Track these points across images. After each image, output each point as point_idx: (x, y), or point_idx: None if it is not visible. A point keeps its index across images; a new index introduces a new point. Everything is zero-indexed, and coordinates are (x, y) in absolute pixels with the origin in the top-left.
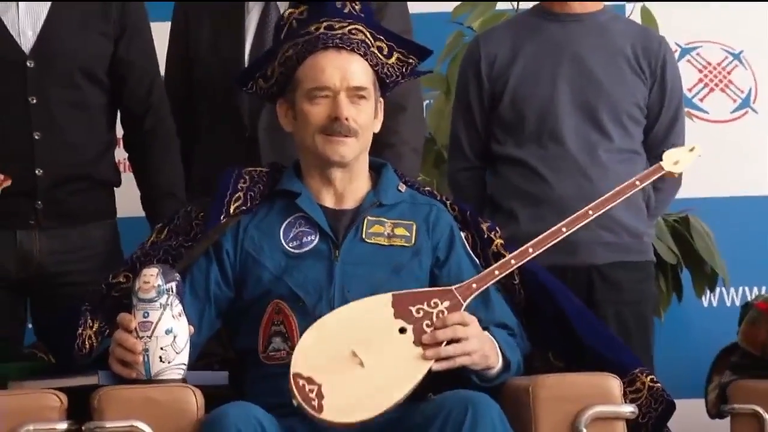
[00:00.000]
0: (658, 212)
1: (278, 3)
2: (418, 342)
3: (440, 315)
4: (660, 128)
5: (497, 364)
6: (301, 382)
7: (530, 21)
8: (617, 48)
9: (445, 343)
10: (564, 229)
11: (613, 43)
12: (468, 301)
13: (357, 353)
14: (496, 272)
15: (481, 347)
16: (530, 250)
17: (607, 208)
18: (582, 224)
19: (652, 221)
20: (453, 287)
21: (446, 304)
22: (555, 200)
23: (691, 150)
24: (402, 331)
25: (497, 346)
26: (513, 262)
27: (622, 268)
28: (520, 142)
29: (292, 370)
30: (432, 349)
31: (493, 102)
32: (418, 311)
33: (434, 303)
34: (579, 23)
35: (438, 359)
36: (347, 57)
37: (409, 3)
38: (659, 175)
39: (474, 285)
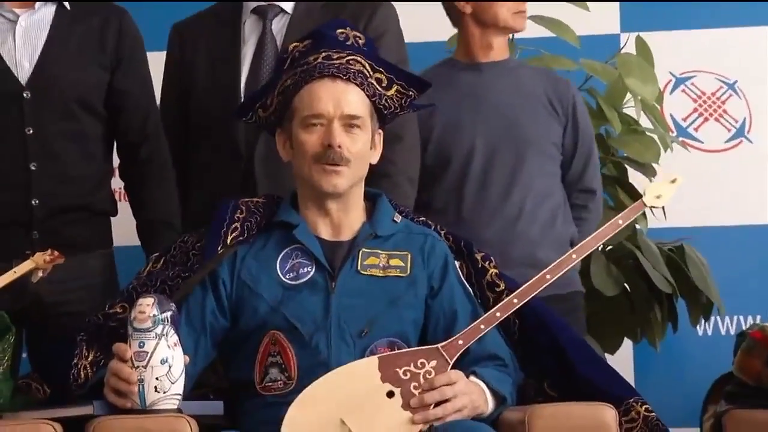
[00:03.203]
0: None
1: (275, 35)
2: (406, 406)
3: (427, 375)
4: (575, 168)
5: (488, 408)
6: None
7: (443, 72)
8: (530, 90)
9: (433, 405)
10: (548, 276)
11: (525, 85)
12: (454, 359)
13: (345, 422)
14: (482, 326)
15: (470, 401)
16: (515, 300)
17: (590, 250)
18: (566, 269)
19: None
20: (439, 345)
21: (433, 363)
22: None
23: (673, 181)
24: (390, 394)
25: (486, 390)
26: (498, 314)
27: (546, 300)
28: (440, 192)
29: None
30: (420, 413)
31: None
32: (405, 373)
33: (421, 363)
34: (492, 71)
35: (427, 421)
36: (343, 86)
37: (404, 32)
38: (642, 211)
39: (460, 342)
